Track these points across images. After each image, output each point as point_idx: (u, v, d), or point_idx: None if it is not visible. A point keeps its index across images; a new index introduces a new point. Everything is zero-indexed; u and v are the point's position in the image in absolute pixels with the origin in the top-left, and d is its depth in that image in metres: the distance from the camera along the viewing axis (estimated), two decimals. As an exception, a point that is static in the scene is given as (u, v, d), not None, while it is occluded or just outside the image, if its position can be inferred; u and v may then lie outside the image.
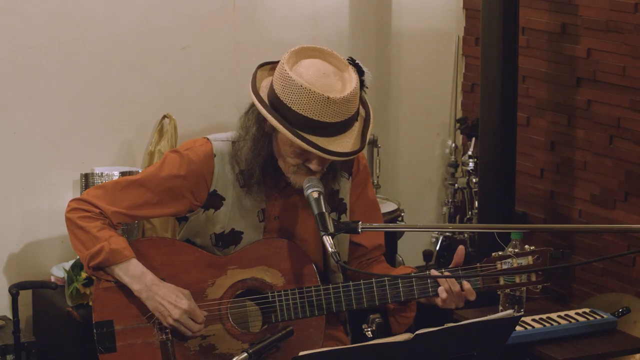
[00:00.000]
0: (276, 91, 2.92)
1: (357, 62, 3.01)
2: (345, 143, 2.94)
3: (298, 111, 2.88)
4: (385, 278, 3.04)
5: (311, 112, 2.88)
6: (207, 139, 3.12)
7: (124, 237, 3.04)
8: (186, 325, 2.98)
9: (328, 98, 2.87)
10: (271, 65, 3.08)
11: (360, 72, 2.99)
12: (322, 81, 2.90)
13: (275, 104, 2.92)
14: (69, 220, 3.07)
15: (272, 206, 3.12)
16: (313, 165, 2.97)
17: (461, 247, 3.06)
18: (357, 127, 3.00)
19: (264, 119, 2.96)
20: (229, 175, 3.09)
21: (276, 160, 3.02)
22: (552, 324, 3.73)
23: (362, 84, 2.99)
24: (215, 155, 3.08)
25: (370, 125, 3.03)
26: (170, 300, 2.97)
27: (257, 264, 3.07)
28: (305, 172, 2.98)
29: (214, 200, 3.10)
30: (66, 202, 4.30)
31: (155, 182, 3.07)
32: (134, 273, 2.99)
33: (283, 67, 2.92)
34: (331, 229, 2.81)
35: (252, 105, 3.02)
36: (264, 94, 2.98)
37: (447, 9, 5.18)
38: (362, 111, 3.04)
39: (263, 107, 2.93)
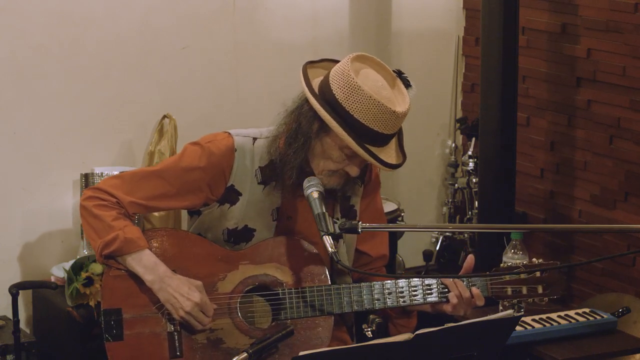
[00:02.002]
0: (337, 97, 2.89)
1: (404, 75, 3.02)
2: (390, 153, 2.97)
3: (361, 121, 2.87)
4: (396, 281, 3.06)
5: (374, 123, 2.88)
6: (229, 133, 3.10)
7: (139, 227, 3.03)
8: (197, 318, 2.98)
9: (394, 112, 2.89)
10: (312, 64, 3.05)
11: (407, 85, 3.01)
12: (382, 94, 2.91)
13: (335, 108, 2.90)
14: (84, 208, 3.04)
15: (286, 206, 3.11)
16: (354, 171, 2.99)
17: (471, 256, 3.08)
18: (393, 138, 3.02)
19: (314, 120, 2.95)
20: (247, 171, 3.07)
21: (308, 161, 3.01)
22: (552, 324, 3.73)
23: None
24: (236, 150, 3.06)
25: (403, 137, 3.05)
26: (182, 293, 2.96)
27: (269, 261, 3.07)
28: (340, 175, 2.99)
29: (231, 195, 3.08)
30: (66, 202, 4.38)
31: (174, 173, 3.05)
32: (146, 264, 2.98)
33: (350, 74, 2.89)
34: (331, 228, 2.81)
35: (302, 104, 2.99)
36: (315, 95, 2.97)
37: (447, 9, 5.18)
38: None
39: (328, 114, 2.90)
